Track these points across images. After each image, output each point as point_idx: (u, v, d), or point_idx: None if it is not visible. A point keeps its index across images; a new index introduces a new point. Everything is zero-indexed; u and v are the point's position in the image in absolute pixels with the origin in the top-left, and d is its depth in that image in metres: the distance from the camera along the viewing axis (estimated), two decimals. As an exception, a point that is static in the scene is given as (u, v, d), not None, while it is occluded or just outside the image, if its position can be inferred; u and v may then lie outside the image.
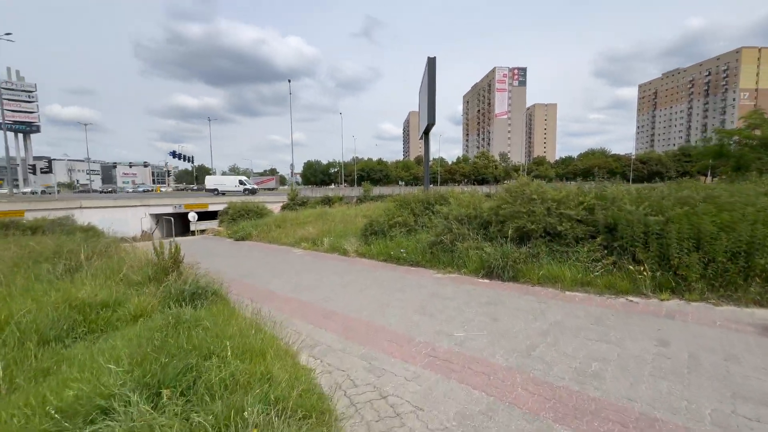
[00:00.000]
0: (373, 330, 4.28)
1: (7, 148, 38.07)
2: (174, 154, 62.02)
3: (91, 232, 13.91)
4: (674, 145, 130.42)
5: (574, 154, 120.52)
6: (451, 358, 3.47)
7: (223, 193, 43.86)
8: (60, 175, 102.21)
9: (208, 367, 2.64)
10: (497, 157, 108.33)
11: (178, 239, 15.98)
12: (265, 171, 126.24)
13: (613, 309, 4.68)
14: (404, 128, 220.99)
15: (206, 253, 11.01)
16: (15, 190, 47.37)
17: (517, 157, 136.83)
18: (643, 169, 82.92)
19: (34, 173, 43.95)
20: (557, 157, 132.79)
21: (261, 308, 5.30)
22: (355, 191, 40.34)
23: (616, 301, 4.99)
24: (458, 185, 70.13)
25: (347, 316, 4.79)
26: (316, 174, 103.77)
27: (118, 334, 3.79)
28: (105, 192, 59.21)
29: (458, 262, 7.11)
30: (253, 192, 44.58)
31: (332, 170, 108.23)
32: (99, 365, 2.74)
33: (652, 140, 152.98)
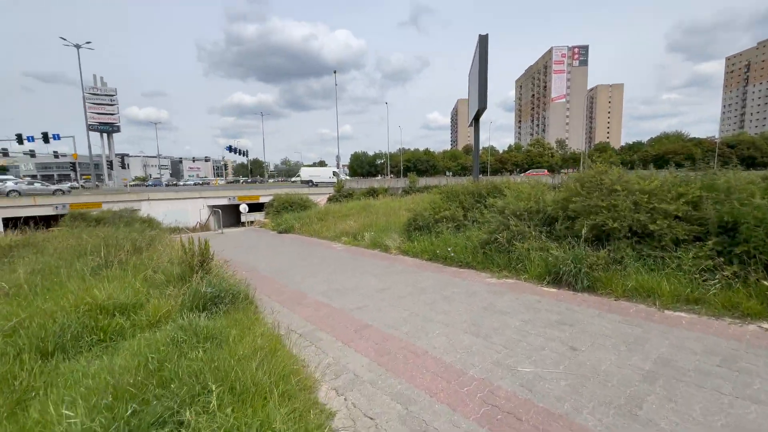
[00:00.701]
0: (413, 354, 3.46)
1: (89, 147, 42.55)
2: (230, 149, 65.56)
3: (148, 223, 14.61)
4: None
5: (642, 140, 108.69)
6: (517, 409, 2.54)
7: (316, 185, 44.25)
8: (136, 170, 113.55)
9: (188, 419, 2.00)
10: (554, 145, 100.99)
11: (226, 230, 16.36)
12: (314, 163, 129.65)
13: (744, 341, 3.41)
14: (452, 117, 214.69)
15: (247, 246, 10.90)
16: (98, 184, 53.10)
17: (576, 144, 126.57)
18: (731, 155, 72.22)
19: (111, 168, 48.90)
20: (622, 143, 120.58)
21: (288, 315, 4.73)
22: (401, 182, 39.53)
23: (744, 328, 3.68)
24: (510, 175, 66.30)
25: (383, 333, 4.01)
26: (363, 165, 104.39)
27: (123, 346, 3.37)
28: (169, 185, 64.27)
29: (517, 265, 6.03)
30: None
31: (379, 161, 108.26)
32: (68, 397, 2.22)
33: (742, 121, 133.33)
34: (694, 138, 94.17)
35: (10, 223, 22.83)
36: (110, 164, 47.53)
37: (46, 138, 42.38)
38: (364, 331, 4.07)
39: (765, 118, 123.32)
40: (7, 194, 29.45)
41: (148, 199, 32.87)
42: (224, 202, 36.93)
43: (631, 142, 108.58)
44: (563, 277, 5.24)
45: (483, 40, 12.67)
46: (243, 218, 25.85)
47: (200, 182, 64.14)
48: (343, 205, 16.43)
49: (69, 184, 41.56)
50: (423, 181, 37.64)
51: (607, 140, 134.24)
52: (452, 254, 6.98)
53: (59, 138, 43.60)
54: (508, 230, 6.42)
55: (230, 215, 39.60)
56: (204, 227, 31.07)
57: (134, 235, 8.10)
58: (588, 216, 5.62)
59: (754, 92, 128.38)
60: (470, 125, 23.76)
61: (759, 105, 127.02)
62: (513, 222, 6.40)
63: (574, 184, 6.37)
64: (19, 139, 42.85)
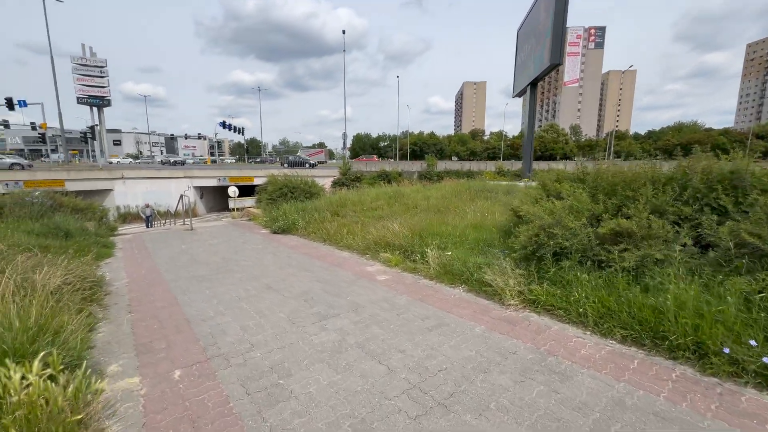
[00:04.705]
0: None
1: (60, 117, 37.29)
2: (224, 125, 59.83)
3: (84, 212, 10.01)
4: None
5: (643, 130, 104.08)
6: None
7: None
8: (129, 146, 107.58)
9: None
10: (567, 131, 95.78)
11: (202, 225, 11.82)
12: (314, 145, 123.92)
13: None
14: (456, 101, 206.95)
15: (214, 265, 6.35)
16: (73, 159, 47.94)
17: (588, 131, 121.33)
18: (763, 147, 67.46)
19: (86, 142, 43.71)
20: (631, 133, 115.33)
21: None
22: (416, 166, 34.76)
23: None
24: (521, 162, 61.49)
25: None
26: (366, 148, 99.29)
27: None
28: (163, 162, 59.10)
29: None
30: None
31: (382, 144, 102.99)
32: None
33: (760, 112, 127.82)
34: (711, 129, 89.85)
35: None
36: (84, 138, 42.12)
37: (10, 105, 37.00)
38: None
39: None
40: (-49, 168, 24.58)
41: (123, 178, 28.12)
42: (213, 183, 32.29)
43: (641, 132, 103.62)
44: None
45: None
46: (231, 204, 21.34)
47: (170, 161, 58.31)
48: (363, 193, 11.89)
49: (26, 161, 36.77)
50: (442, 165, 32.88)
51: (617, 128, 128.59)
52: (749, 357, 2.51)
53: (25, 105, 38.21)
54: None
55: (220, 199, 34.92)
56: (188, 213, 26.52)
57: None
58: None
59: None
60: (516, 96, 18.60)
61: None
62: None
63: None
64: (-20, 104, 37.42)
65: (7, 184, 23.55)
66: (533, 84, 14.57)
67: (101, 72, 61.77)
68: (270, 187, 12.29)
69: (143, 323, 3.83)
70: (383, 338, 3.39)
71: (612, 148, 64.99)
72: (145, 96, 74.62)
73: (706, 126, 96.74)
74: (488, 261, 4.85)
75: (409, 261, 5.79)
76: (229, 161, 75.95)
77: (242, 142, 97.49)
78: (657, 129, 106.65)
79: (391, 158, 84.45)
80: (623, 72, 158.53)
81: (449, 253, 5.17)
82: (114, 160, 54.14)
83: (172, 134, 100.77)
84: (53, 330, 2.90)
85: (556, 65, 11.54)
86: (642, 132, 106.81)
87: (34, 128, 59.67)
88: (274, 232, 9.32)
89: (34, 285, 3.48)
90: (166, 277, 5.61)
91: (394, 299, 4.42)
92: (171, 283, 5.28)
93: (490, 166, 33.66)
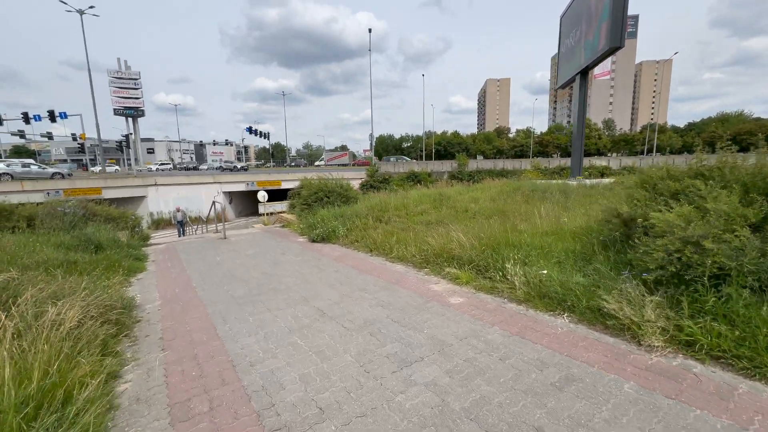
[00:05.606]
0: None
1: (98, 128, 38.63)
2: (250, 130, 60.87)
3: (117, 221, 9.64)
4: None
5: (678, 122, 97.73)
6: None
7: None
8: (161, 154, 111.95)
9: None
10: (600, 125, 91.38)
11: (235, 233, 11.26)
12: (336, 148, 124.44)
13: None
14: (479, 99, 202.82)
15: (255, 285, 5.60)
16: (117, 168, 49.87)
17: (622, 125, 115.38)
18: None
19: (122, 151, 45.20)
20: (669, 125, 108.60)
21: None
22: (446, 166, 33.53)
23: None
24: (552, 158, 58.70)
25: None
26: (389, 149, 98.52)
27: None
28: (189, 168, 60.78)
29: None
30: None
31: (405, 144, 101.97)
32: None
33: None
34: (761, 118, 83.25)
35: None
36: (120, 147, 43.58)
37: (52, 117, 38.74)
38: None
39: None
40: (-2, 178, 25.65)
41: (156, 185, 28.57)
42: (241, 188, 32.33)
43: (679, 125, 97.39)
44: None
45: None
46: (261, 209, 21.06)
47: (192, 167, 59.59)
48: (405, 196, 10.99)
49: (67, 167, 38.41)
50: (473, 164, 31.55)
51: (652, 121, 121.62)
52: None
53: (66, 116, 39.91)
54: None
55: (248, 203, 35.00)
56: (221, 220, 26.64)
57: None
58: None
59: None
60: (561, 87, 17.18)
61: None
62: None
63: None
64: (26, 118, 39.46)
65: (48, 193, 24.32)
66: (583, 72, 13.16)
67: (135, 84, 64.33)
68: (304, 192, 11.60)
69: (179, 368, 3.06)
70: (499, 401, 2.44)
71: (655, 142, 61.31)
72: (176, 105, 77.18)
73: (755, 116, 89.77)
74: (595, 281, 3.81)
75: (483, 278, 4.82)
76: (242, 166, 76.21)
77: (267, 147, 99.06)
78: (697, 120, 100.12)
79: (415, 159, 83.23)
80: (657, 62, 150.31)
81: (545, 272, 4.15)
82: (98, 168, 54.88)
83: (201, 141, 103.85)
84: (64, 395, 2.14)
85: (616, 48, 10.16)
86: (679, 124, 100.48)
87: (74, 139, 62.69)
88: (313, 241, 8.56)
89: (45, 324, 2.77)
90: (202, 298, 4.90)
91: (484, 334, 3.47)
92: (208, 307, 4.54)
93: (525, 164, 32.01)
